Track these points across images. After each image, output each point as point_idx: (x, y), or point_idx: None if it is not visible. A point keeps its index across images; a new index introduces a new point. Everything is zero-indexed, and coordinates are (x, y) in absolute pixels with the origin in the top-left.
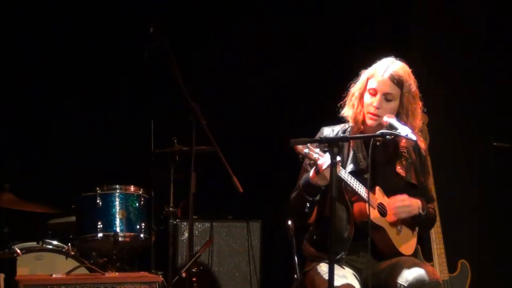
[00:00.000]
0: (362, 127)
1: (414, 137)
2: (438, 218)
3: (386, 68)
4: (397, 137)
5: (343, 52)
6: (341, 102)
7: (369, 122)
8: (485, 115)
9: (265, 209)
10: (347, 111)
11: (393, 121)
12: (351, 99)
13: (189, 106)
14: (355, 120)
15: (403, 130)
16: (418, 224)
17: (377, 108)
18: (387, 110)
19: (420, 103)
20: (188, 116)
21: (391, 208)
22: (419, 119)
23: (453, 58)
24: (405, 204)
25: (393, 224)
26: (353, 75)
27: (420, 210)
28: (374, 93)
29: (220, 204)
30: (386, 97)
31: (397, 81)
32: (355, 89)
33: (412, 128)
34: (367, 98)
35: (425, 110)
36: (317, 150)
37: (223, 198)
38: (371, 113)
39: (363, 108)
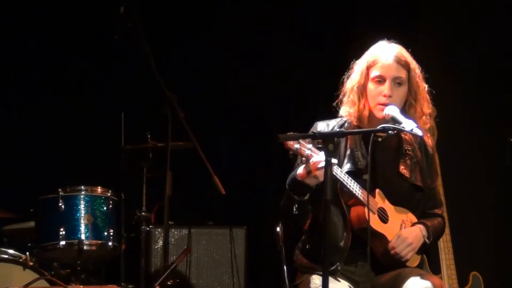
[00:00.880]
0: (367, 124)
1: (420, 132)
2: (447, 225)
3: (388, 52)
4: (400, 132)
5: (338, 41)
6: (337, 101)
7: (380, 114)
8: (501, 107)
9: (251, 214)
10: (346, 110)
11: (396, 113)
12: (350, 95)
13: (164, 97)
14: (360, 118)
15: (408, 124)
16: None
17: (389, 96)
18: (399, 97)
19: (426, 86)
20: (163, 107)
21: (393, 254)
22: (428, 103)
23: (465, 43)
24: (406, 243)
25: (395, 229)
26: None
27: (425, 239)
28: (381, 80)
29: (199, 208)
30: (397, 82)
31: (404, 63)
32: (352, 83)
33: (422, 115)
34: (373, 88)
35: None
36: (310, 146)
37: (202, 201)
38: (383, 104)
39: (369, 101)
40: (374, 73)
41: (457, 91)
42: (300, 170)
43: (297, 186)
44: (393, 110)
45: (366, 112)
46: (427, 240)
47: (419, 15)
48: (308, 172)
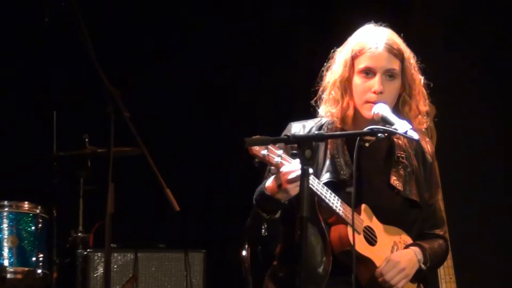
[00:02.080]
0: (352, 126)
1: (416, 136)
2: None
3: (377, 38)
4: (392, 136)
5: (315, 23)
6: (315, 98)
7: (368, 114)
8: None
9: (211, 235)
10: (327, 109)
11: (387, 112)
12: (332, 91)
13: (106, 93)
14: (343, 119)
15: (401, 126)
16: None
17: (380, 92)
18: (391, 93)
19: (422, 78)
20: (104, 106)
21: (381, 282)
22: (425, 100)
23: (468, 26)
24: (397, 269)
25: (385, 253)
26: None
27: (421, 264)
28: (370, 73)
29: (148, 227)
30: (388, 75)
31: (397, 52)
32: (334, 76)
33: (418, 114)
34: (360, 82)
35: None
36: (280, 152)
37: (152, 220)
38: (372, 101)
39: (355, 98)
40: (361, 64)
41: (459, 84)
42: (269, 182)
43: (266, 202)
44: (383, 109)
45: (350, 112)
46: (423, 266)
47: None
48: (279, 185)
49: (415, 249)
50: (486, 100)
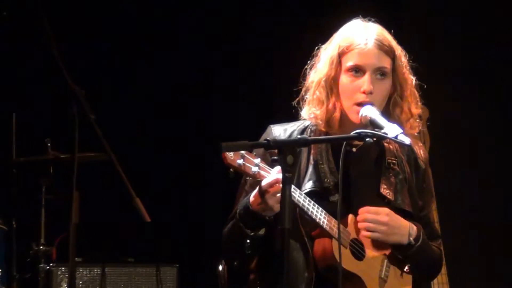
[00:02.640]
0: (339, 129)
1: (407, 140)
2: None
3: (366, 34)
4: (382, 140)
5: (297, 18)
6: (298, 99)
7: (356, 116)
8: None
9: (184, 248)
10: (311, 111)
11: (376, 115)
12: (316, 92)
13: (69, 92)
14: (329, 122)
15: (391, 130)
16: (411, 262)
17: (370, 92)
18: (382, 94)
19: (414, 79)
20: (68, 107)
21: (358, 221)
22: (417, 101)
23: (465, 22)
24: (380, 220)
25: (374, 268)
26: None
27: (411, 239)
28: (358, 72)
29: (116, 240)
30: (379, 74)
31: (388, 49)
32: (319, 75)
33: (410, 117)
34: (347, 82)
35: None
36: (257, 160)
37: (120, 232)
38: (361, 102)
39: (342, 99)
40: (349, 61)
41: (453, 85)
42: (252, 196)
43: (251, 218)
44: (371, 111)
45: (337, 114)
46: (412, 241)
47: None
48: (262, 196)
49: (412, 224)
50: (480, 101)
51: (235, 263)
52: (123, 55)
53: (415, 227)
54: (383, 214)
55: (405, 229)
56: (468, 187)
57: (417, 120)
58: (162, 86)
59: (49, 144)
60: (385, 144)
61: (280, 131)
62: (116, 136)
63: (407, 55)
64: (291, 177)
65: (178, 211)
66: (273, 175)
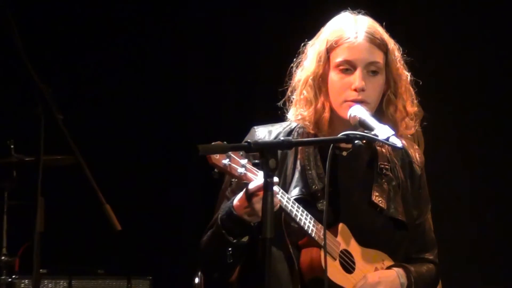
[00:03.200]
0: (328, 131)
1: (399, 143)
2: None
3: (356, 27)
4: (374, 143)
5: (281, 11)
6: (283, 99)
7: (347, 114)
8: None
9: (158, 259)
10: (298, 112)
11: (366, 115)
12: (303, 91)
13: (35, 91)
14: (318, 123)
15: (382, 131)
16: None
17: (362, 89)
18: (375, 91)
19: (409, 74)
20: (33, 107)
21: None
22: (413, 99)
23: (462, 14)
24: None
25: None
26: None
27: (401, 279)
28: (349, 68)
29: (84, 250)
30: (371, 69)
31: (380, 42)
32: (305, 73)
33: (405, 115)
34: (337, 79)
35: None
36: (244, 161)
37: (89, 241)
38: (353, 100)
39: (331, 98)
40: (338, 57)
41: (449, 82)
42: (237, 199)
43: (234, 224)
44: (360, 111)
45: (326, 114)
46: (404, 281)
47: None
48: (248, 200)
49: (399, 270)
50: (474, 102)
51: (215, 275)
52: (93, 50)
53: (403, 273)
54: (374, 284)
55: (397, 282)
56: (464, 188)
57: (413, 120)
58: (137, 84)
59: (12, 146)
60: (378, 147)
61: (264, 133)
62: (85, 137)
63: (401, 49)
64: (273, 182)
65: (151, 218)
66: (261, 177)
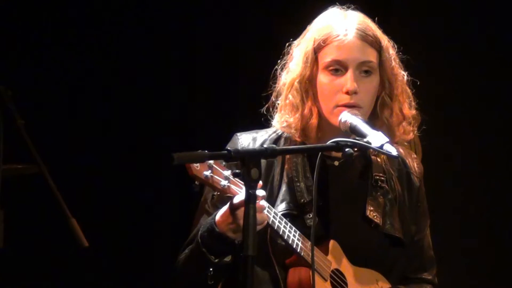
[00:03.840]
0: (316, 139)
1: (394, 151)
2: None
3: (346, 23)
4: (366, 151)
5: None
6: (267, 105)
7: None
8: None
9: (130, 279)
10: (283, 118)
11: (357, 121)
12: (289, 95)
13: None
14: (305, 130)
15: (376, 138)
16: None
17: (354, 91)
18: (369, 93)
19: (405, 74)
20: None
21: None
22: (411, 101)
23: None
24: None
25: None
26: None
27: None
28: (339, 69)
29: (48, 268)
30: (363, 69)
31: (372, 39)
32: (291, 75)
33: (402, 120)
34: (327, 81)
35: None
36: (227, 172)
37: (53, 258)
38: (344, 105)
39: (320, 102)
40: (327, 57)
41: (448, 82)
42: (220, 215)
43: (216, 241)
44: (351, 116)
45: (314, 121)
46: None
47: None
48: (233, 220)
49: None
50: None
51: None
52: (57, 50)
53: None
54: None
55: None
56: (464, 199)
57: (411, 124)
58: (108, 87)
59: None
60: (373, 157)
61: (248, 140)
62: (48, 144)
63: (396, 46)
64: (256, 194)
65: (121, 233)
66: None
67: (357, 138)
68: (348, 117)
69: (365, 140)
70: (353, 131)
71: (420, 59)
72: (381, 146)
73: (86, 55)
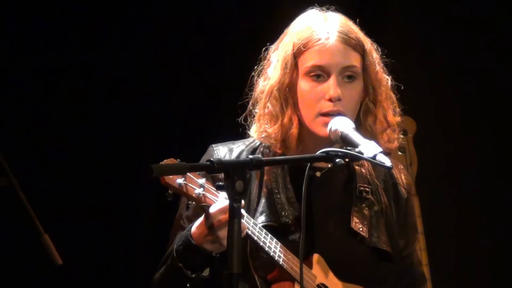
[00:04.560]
0: (296, 149)
1: (388, 162)
2: None
3: (327, 25)
4: (354, 161)
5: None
6: (244, 114)
7: (323, 131)
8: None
9: None
10: (261, 128)
11: (349, 130)
12: (267, 104)
13: None
14: (285, 141)
15: (368, 148)
16: None
17: (338, 98)
18: (353, 100)
19: (389, 79)
20: None
21: None
22: (395, 107)
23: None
24: None
25: None
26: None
27: None
28: (321, 74)
29: (20, 286)
30: (346, 75)
31: (355, 42)
32: (269, 82)
33: (386, 127)
34: (308, 88)
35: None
36: (202, 180)
37: (26, 276)
38: (327, 113)
39: (301, 111)
40: (308, 62)
41: (439, 87)
42: (195, 227)
43: (192, 255)
44: (343, 125)
45: (294, 130)
46: None
47: None
48: (210, 231)
49: None
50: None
51: None
52: (29, 50)
53: None
54: None
55: None
56: (462, 210)
57: (395, 132)
58: (83, 93)
59: None
60: (356, 167)
61: (224, 151)
62: (19, 155)
63: (379, 49)
64: (240, 208)
65: (97, 251)
66: (223, 198)
67: (348, 147)
68: (338, 125)
69: (357, 150)
70: (344, 140)
71: (420, 59)
72: (374, 156)
73: (57, 58)
